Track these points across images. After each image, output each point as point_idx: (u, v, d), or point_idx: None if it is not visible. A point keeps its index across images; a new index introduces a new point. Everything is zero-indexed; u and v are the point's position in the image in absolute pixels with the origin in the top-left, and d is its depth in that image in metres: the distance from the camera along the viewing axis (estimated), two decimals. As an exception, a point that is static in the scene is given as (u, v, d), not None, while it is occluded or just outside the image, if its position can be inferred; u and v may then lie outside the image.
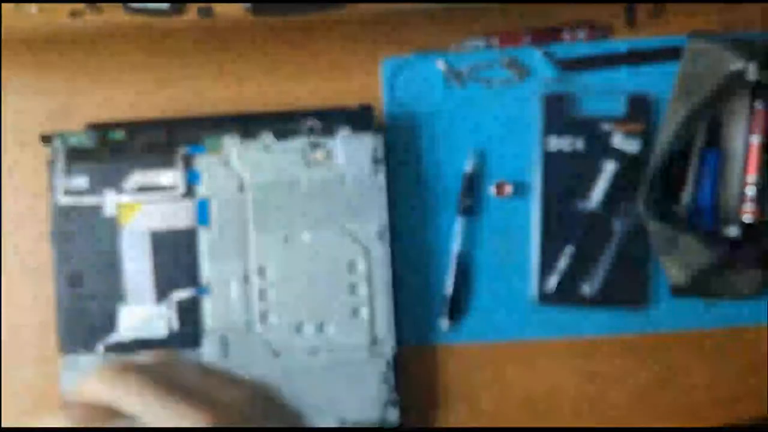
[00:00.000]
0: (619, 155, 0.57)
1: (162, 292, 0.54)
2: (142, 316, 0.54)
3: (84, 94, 0.58)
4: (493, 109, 0.58)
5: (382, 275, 0.54)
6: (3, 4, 0.52)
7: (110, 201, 0.54)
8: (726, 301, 0.57)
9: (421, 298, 0.58)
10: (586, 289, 0.57)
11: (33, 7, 0.52)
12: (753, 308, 0.58)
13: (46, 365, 0.55)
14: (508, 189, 0.57)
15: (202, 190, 0.54)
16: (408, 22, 0.58)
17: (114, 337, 0.54)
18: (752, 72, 0.53)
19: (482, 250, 0.58)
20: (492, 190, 0.57)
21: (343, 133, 0.55)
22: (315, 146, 0.55)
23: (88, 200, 0.54)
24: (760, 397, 0.58)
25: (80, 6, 0.52)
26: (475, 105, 0.58)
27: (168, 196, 0.54)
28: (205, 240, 0.54)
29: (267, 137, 0.55)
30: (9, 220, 0.57)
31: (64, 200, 0.54)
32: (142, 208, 0.54)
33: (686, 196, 0.56)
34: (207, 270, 0.54)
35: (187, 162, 0.55)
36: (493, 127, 0.58)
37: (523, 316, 0.58)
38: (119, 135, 0.55)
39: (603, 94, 0.57)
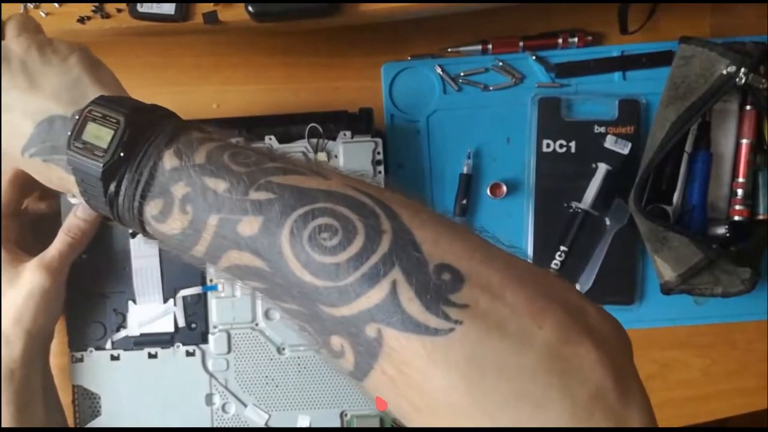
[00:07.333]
0: (611, 157, 0.58)
1: (169, 289, 0.55)
2: (150, 313, 0.56)
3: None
4: (489, 113, 0.59)
5: (382, 274, 0.55)
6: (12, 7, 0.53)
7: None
8: (715, 299, 0.58)
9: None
10: (578, 287, 0.58)
11: (42, 12, 0.53)
12: (741, 306, 0.59)
13: (56, 362, 0.55)
14: (503, 190, 0.59)
15: (207, 191, 0.55)
16: (407, 28, 0.59)
17: (123, 334, 0.55)
18: (741, 75, 0.53)
19: (478, 249, 0.59)
20: (487, 191, 0.59)
21: (344, 136, 0.56)
22: (316, 149, 0.56)
23: (97, 201, 0.55)
24: (749, 394, 0.59)
25: (88, 11, 0.53)
26: (471, 109, 0.59)
27: (174, 197, 0.55)
28: (210, 239, 0.55)
29: (269, 140, 0.56)
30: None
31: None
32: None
33: (676, 196, 0.57)
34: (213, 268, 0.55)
35: (193, 164, 0.55)
36: (489, 130, 0.59)
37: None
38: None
39: (595, 97, 0.59)
